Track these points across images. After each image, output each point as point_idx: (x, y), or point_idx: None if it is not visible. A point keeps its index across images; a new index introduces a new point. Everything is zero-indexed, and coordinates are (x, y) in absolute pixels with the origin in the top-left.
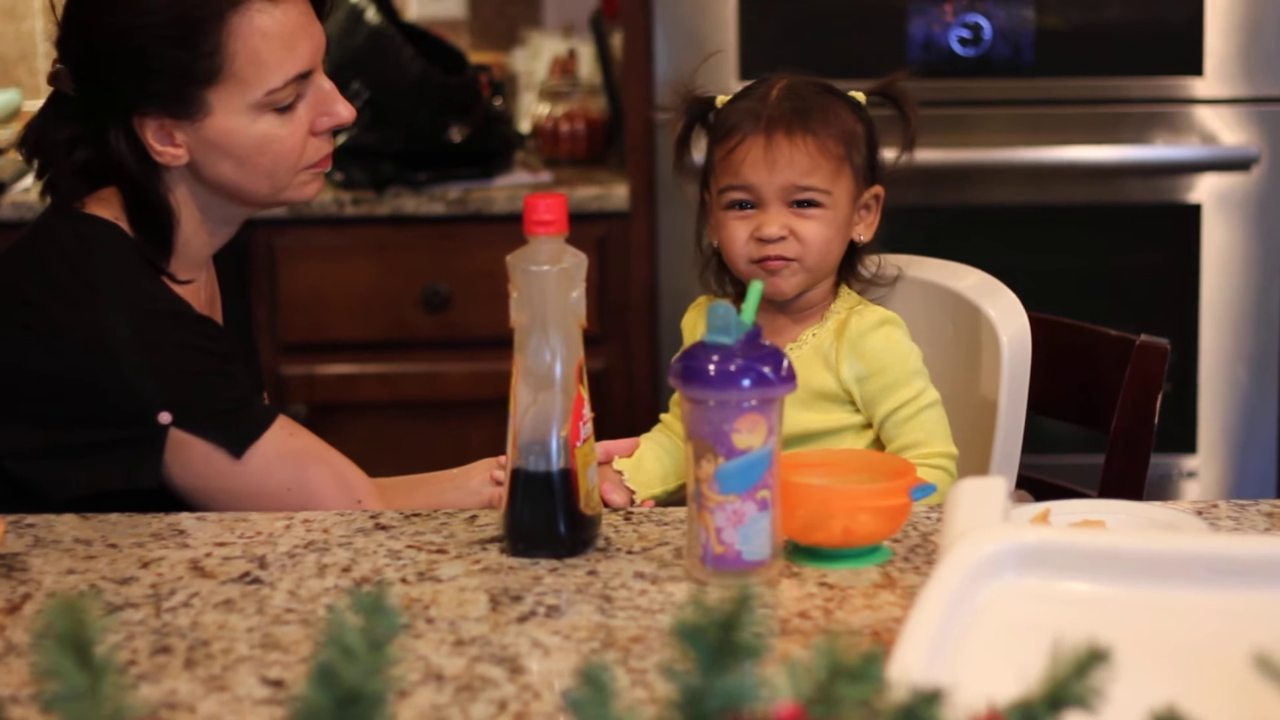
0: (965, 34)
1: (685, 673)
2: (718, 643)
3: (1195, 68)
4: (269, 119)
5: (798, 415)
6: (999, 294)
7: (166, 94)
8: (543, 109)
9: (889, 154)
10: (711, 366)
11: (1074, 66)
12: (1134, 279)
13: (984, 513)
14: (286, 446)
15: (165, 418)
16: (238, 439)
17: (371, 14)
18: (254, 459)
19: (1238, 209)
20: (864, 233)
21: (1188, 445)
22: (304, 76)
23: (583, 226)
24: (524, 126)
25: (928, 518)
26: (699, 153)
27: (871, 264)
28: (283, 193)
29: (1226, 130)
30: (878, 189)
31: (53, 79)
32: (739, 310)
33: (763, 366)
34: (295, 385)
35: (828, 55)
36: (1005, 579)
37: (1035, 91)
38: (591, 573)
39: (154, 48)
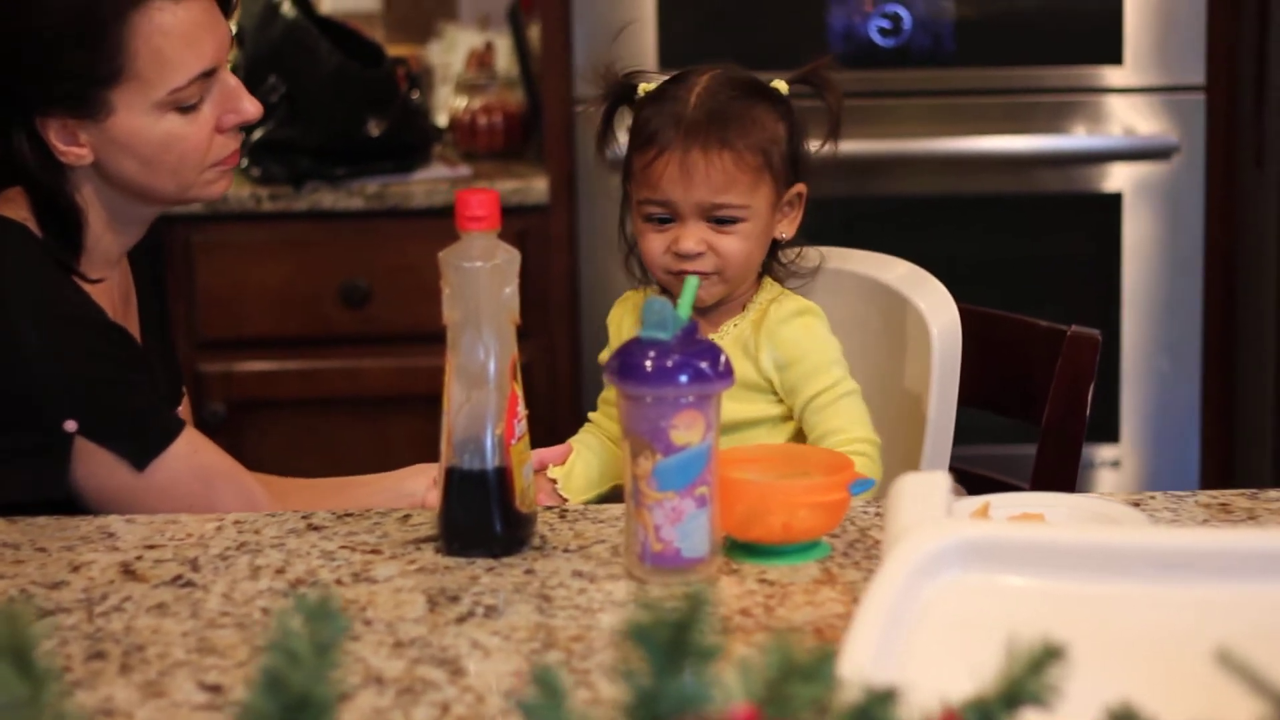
0: (885, 24)
1: (637, 674)
2: (670, 644)
3: (1114, 57)
4: (173, 118)
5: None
6: (928, 285)
7: (69, 95)
8: (460, 102)
9: (814, 143)
10: (648, 362)
11: (994, 56)
12: (1055, 269)
13: (927, 508)
14: (193, 462)
15: (71, 425)
16: (142, 450)
17: (287, 7)
18: (159, 472)
19: (1158, 198)
20: (786, 230)
21: (1110, 435)
22: (209, 74)
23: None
24: (441, 120)
25: (864, 512)
26: (622, 132)
27: (791, 253)
28: (189, 191)
29: (1146, 119)
30: (800, 187)
31: None
32: (674, 304)
33: (700, 362)
34: (213, 383)
35: (747, 46)
36: (951, 574)
37: (955, 81)
38: (529, 571)
39: (55, 48)
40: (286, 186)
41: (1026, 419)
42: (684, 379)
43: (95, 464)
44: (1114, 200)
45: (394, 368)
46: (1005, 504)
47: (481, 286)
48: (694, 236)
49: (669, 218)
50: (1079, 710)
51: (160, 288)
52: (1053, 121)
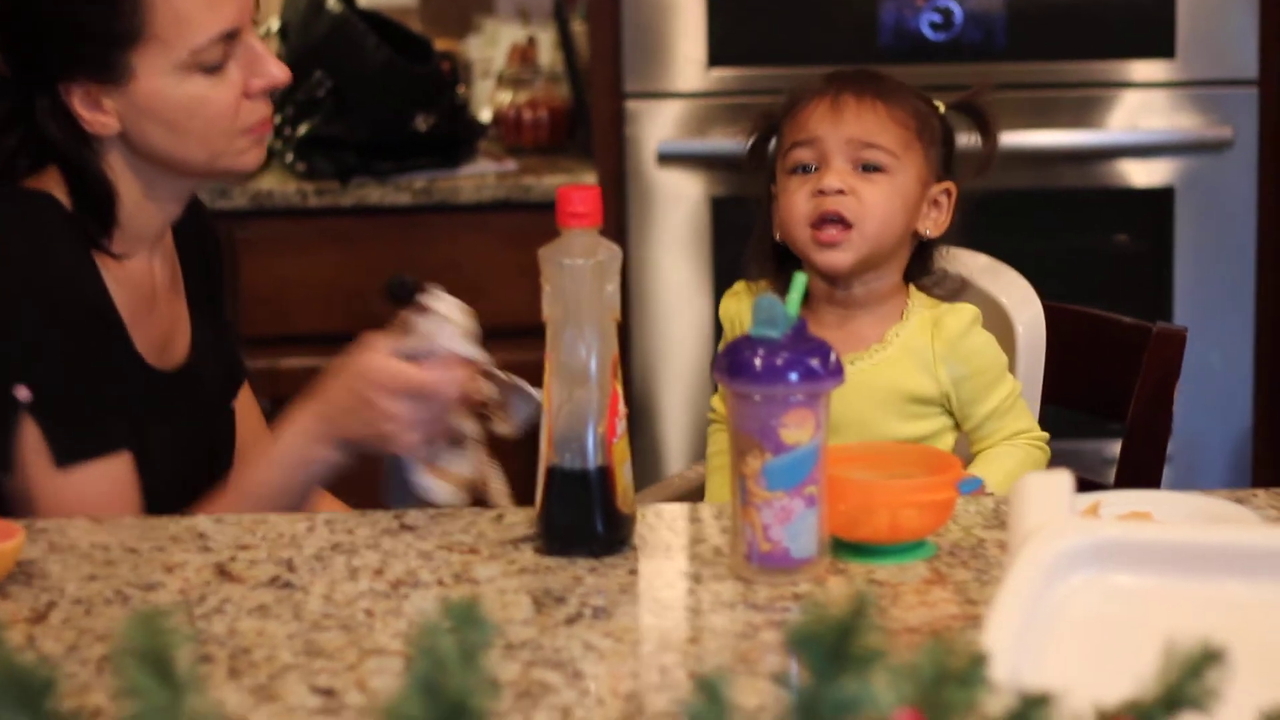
0: (936, 18)
1: (800, 679)
2: (833, 648)
3: (1167, 50)
4: (197, 80)
5: (891, 426)
6: (1009, 278)
7: (89, 58)
8: (504, 97)
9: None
10: (758, 360)
11: (1045, 50)
12: (1106, 264)
13: (1052, 507)
14: (108, 491)
15: (24, 393)
16: (71, 448)
17: (333, 2)
18: (73, 478)
19: (1210, 192)
20: (931, 228)
21: None
22: (232, 36)
23: (549, 215)
24: (484, 115)
25: (965, 510)
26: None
27: (938, 273)
28: (220, 160)
29: (1198, 113)
30: (949, 184)
31: None
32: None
33: (810, 359)
34: (258, 379)
35: (797, 40)
36: (1083, 574)
37: (1006, 75)
38: (632, 572)
39: (71, 8)
40: (333, 182)
41: (1108, 416)
42: (794, 377)
43: (22, 445)
44: (1165, 194)
45: None
46: (1112, 502)
47: (583, 284)
48: (839, 176)
49: (814, 165)
50: (1231, 714)
51: (212, 273)
52: (1104, 115)
